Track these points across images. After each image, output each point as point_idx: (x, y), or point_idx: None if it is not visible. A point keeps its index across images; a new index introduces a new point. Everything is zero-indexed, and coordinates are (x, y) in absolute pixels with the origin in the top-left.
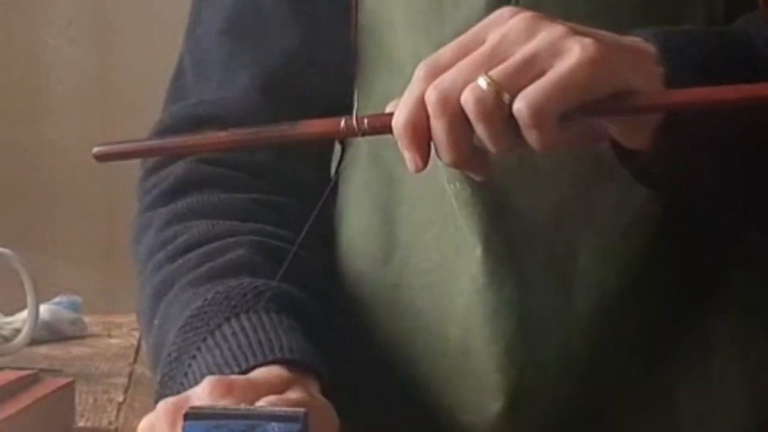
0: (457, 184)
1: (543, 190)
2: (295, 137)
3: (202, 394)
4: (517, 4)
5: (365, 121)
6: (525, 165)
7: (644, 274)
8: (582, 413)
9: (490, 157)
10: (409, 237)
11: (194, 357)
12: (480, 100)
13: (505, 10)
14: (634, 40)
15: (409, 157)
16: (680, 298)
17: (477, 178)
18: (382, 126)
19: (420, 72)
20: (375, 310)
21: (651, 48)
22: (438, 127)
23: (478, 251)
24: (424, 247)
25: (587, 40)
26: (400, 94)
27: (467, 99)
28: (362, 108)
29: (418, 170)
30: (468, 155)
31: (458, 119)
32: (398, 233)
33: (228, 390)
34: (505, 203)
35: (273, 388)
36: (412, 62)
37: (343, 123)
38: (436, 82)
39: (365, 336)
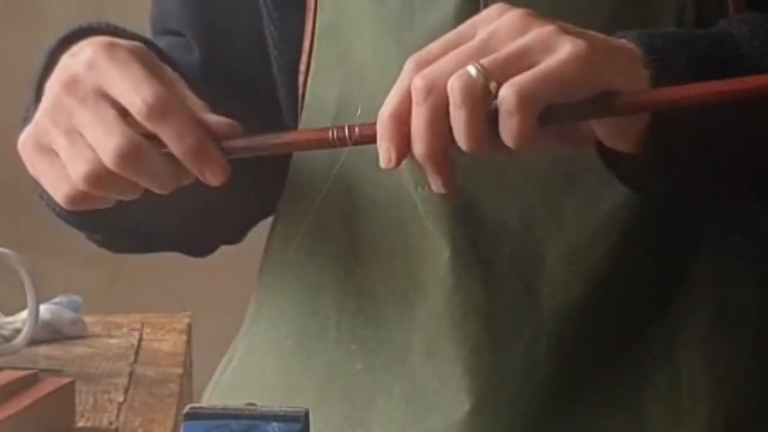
0: (425, 187)
1: (510, 195)
2: (286, 146)
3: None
4: (486, 8)
5: (356, 129)
6: (493, 171)
7: (610, 279)
8: (549, 415)
9: (457, 168)
10: (371, 242)
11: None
12: (467, 85)
13: (493, 9)
14: (621, 41)
15: (384, 149)
16: (646, 302)
17: (438, 186)
18: (373, 134)
19: (409, 65)
20: (340, 321)
21: (637, 50)
22: (419, 114)
23: (445, 254)
24: (387, 252)
25: (579, 39)
26: (359, 98)
27: (453, 84)
28: (307, 114)
29: (390, 166)
30: (442, 152)
31: (441, 109)
32: (360, 239)
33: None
34: (472, 208)
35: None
36: (377, 66)
37: (333, 133)
38: (424, 71)
39: (329, 344)
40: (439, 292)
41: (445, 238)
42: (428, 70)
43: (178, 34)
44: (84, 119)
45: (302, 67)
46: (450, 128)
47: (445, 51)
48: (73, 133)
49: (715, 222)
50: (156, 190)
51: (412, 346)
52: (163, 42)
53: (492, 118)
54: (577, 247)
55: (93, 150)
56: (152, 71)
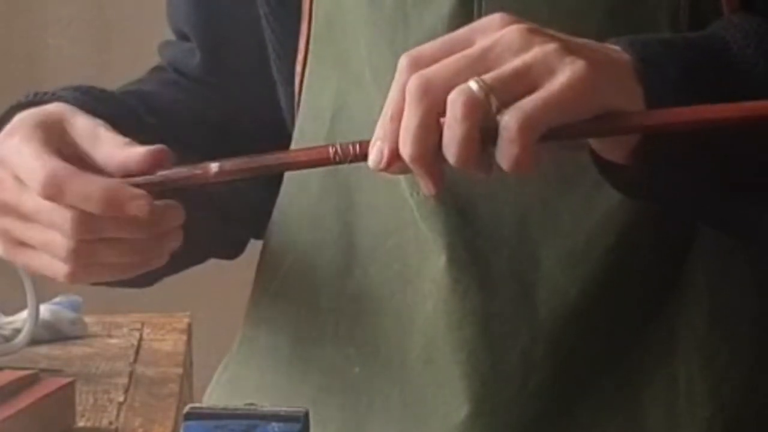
0: (420, 193)
1: (506, 199)
2: (286, 166)
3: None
4: (480, 12)
5: (358, 147)
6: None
7: (607, 282)
8: (547, 418)
9: (444, 171)
10: (369, 246)
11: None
12: (470, 101)
13: (494, 19)
14: (615, 53)
15: (376, 149)
16: (643, 304)
17: (429, 189)
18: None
19: (403, 63)
20: (338, 323)
21: (630, 62)
22: (410, 116)
23: (442, 259)
24: (384, 256)
25: (580, 61)
26: (355, 100)
27: (455, 98)
28: (303, 115)
29: (380, 167)
30: (431, 156)
31: (434, 112)
32: (358, 243)
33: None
34: (468, 212)
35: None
36: (371, 70)
37: (333, 151)
38: (421, 72)
39: (327, 349)
40: (436, 296)
41: (442, 242)
42: (425, 72)
43: (185, 36)
44: (27, 207)
45: (298, 68)
46: (440, 134)
47: (442, 52)
48: (30, 222)
49: (710, 224)
50: (140, 235)
51: (409, 350)
52: (173, 47)
53: (486, 136)
54: (573, 250)
55: (57, 228)
56: (49, 144)
